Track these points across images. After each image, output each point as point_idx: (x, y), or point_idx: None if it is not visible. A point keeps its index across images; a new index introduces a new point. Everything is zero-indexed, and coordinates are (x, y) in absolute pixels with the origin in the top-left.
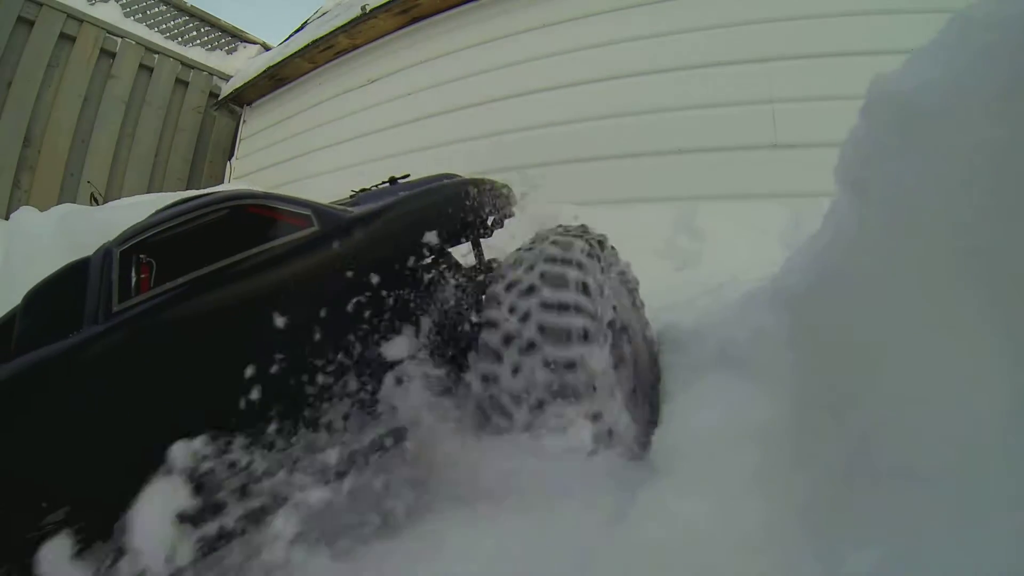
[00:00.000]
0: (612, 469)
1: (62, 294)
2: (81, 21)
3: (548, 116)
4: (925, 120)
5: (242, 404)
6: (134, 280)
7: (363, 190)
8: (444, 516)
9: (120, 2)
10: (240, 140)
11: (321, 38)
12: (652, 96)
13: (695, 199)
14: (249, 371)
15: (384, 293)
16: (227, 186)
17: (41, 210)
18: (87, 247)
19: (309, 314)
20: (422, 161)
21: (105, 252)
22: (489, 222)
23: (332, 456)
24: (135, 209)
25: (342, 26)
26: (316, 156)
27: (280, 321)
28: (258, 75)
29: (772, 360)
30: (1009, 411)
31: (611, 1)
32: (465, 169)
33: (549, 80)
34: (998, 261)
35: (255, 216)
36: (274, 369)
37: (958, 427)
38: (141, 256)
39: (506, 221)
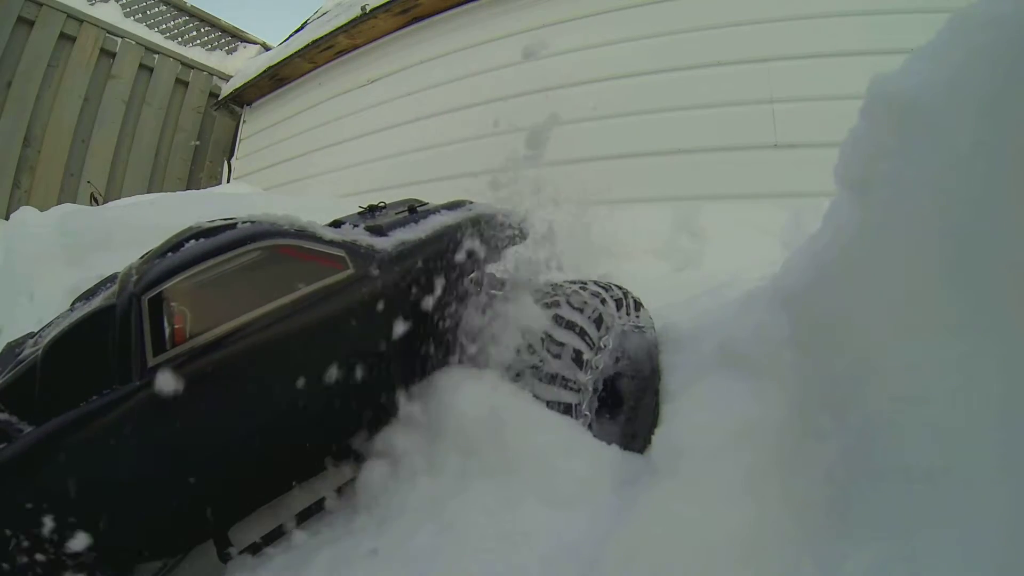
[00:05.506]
0: (613, 469)
1: (86, 345)
2: (81, 21)
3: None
4: (924, 120)
5: (282, 456)
6: (167, 331)
7: (372, 207)
8: (450, 509)
9: (120, 2)
10: (240, 140)
11: (321, 38)
12: (652, 96)
13: (695, 199)
14: (287, 425)
15: (419, 331)
16: (229, 187)
17: (41, 210)
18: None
19: (345, 362)
20: (422, 161)
21: (131, 298)
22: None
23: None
24: (135, 209)
25: (342, 26)
26: (316, 156)
27: (316, 371)
28: (258, 75)
29: (772, 360)
30: (1006, 411)
31: (611, 1)
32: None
33: (549, 80)
34: (996, 260)
35: (286, 258)
36: (311, 424)
37: (955, 427)
38: (173, 304)
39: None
